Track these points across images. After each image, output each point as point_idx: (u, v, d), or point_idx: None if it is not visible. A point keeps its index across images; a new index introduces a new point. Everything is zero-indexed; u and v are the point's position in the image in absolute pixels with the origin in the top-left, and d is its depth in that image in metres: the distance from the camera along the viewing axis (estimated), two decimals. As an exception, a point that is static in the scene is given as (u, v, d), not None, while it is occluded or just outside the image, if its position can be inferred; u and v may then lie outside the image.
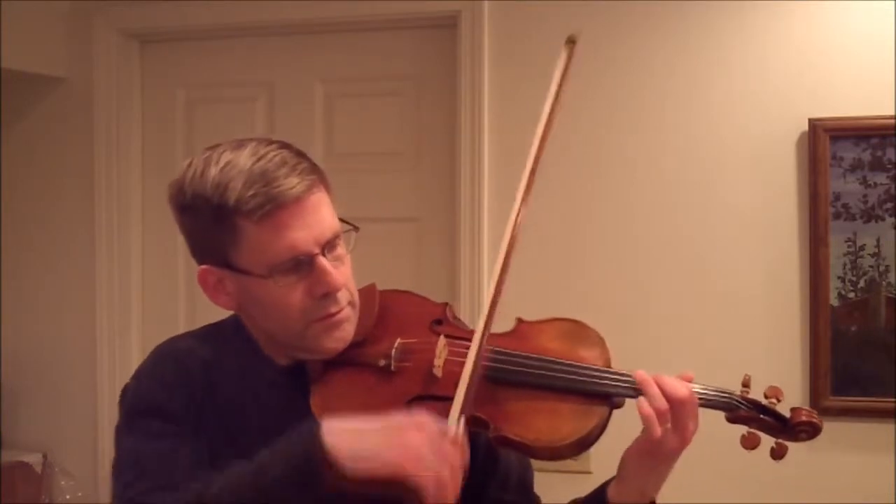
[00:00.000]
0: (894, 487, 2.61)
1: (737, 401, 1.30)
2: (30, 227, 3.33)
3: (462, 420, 1.18)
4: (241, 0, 3.10)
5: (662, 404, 1.25)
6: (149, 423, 1.30)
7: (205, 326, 1.44)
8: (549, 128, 1.30)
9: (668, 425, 1.25)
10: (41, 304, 3.32)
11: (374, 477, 1.13)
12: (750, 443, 1.30)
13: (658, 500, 1.34)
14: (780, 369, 2.69)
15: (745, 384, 1.32)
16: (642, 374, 1.28)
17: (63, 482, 3.22)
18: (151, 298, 3.32)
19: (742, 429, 1.31)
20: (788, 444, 1.30)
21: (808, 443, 1.32)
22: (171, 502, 1.20)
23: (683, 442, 1.27)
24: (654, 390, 1.26)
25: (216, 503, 1.18)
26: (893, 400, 2.64)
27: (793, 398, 2.67)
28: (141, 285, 3.32)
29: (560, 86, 1.32)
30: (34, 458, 3.22)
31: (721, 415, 1.31)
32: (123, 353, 3.24)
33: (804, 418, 1.30)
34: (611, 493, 1.34)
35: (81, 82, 3.25)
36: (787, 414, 1.31)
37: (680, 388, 1.26)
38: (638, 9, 2.82)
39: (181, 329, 2.98)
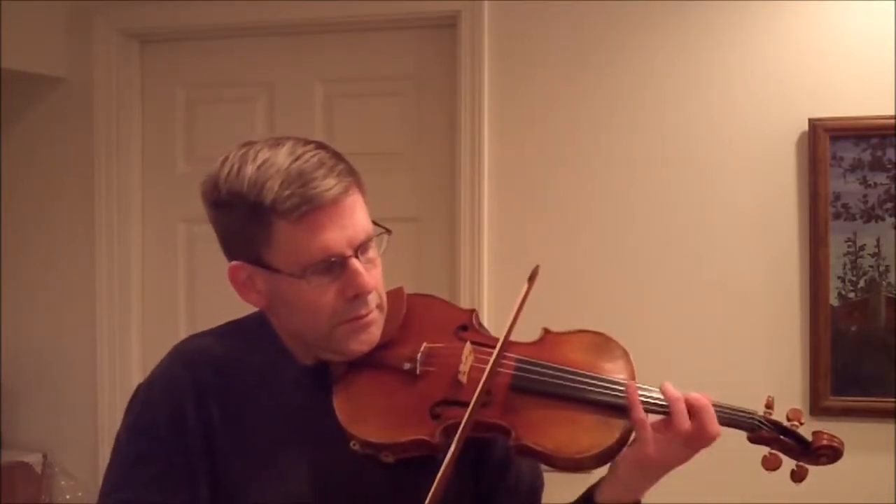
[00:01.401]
0: (894, 487, 2.61)
1: (759, 421, 1.30)
2: (30, 227, 3.33)
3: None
4: (241, 0, 3.10)
5: (686, 425, 1.25)
6: (139, 442, 1.32)
7: (228, 323, 1.44)
8: (506, 342, 1.31)
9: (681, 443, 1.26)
10: (41, 304, 3.31)
11: None
12: (771, 464, 1.31)
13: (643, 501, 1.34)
14: (780, 369, 2.69)
15: (769, 406, 1.32)
16: (670, 390, 1.28)
17: (63, 482, 3.22)
18: (151, 298, 3.31)
19: (763, 449, 1.32)
20: (809, 466, 1.31)
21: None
22: None
23: (689, 458, 1.27)
24: (681, 408, 1.26)
25: None
26: (893, 400, 2.64)
27: (793, 398, 2.68)
28: (141, 285, 3.31)
29: (518, 314, 1.32)
30: (34, 458, 3.21)
31: (739, 432, 1.32)
32: (123, 353, 3.23)
33: (825, 442, 1.31)
34: (598, 497, 1.33)
35: (81, 82, 3.25)
36: (809, 437, 1.32)
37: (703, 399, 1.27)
38: (638, 9, 2.82)
39: (181, 329, 3.03)
